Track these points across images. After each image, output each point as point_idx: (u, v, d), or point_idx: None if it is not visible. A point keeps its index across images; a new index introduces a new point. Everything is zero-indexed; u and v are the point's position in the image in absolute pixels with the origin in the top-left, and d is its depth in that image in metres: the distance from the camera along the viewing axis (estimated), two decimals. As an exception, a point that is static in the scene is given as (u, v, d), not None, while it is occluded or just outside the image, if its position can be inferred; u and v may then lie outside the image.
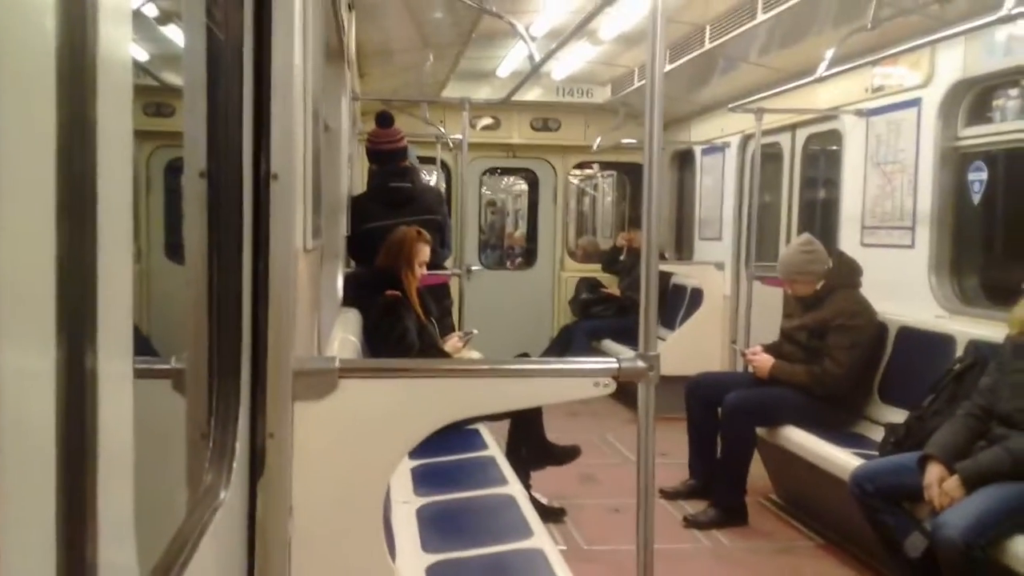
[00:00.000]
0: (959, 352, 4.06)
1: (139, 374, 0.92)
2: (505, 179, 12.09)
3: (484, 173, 9.40)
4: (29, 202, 0.62)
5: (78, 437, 0.70)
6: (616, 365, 1.88)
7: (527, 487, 3.92)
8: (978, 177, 4.58)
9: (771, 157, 6.64)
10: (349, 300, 4.44)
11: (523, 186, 11.84)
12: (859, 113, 5.35)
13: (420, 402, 1.84)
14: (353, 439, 1.78)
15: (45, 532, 0.64)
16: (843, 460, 3.94)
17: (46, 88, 0.65)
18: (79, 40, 0.70)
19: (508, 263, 10.56)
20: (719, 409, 4.76)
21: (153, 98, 2.12)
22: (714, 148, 7.61)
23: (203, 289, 1.53)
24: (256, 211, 1.63)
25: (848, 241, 5.34)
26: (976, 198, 4.61)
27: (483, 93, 7.59)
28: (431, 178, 8.38)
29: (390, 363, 2.36)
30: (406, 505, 3.22)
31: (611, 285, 8.32)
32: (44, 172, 0.64)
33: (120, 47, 0.80)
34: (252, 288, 1.63)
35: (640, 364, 1.89)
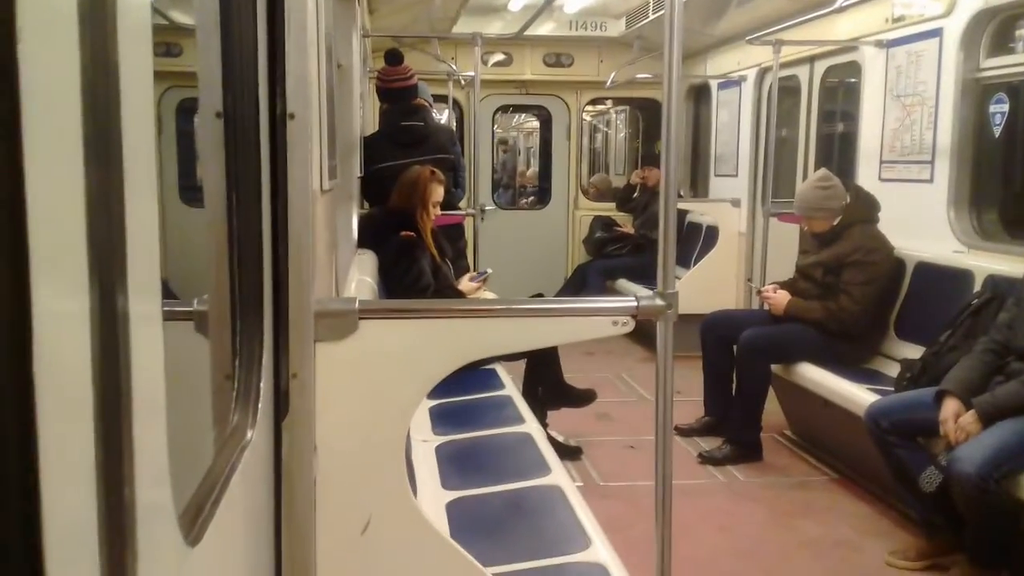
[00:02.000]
0: (977, 287, 4.04)
1: (164, 316, 0.93)
2: (516, 117, 11.95)
3: (497, 111, 9.28)
4: (58, 148, 0.61)
5: (113, 379, 0.70)
6: (635, 303, 1.88)
7: (544, 426, 3.96)
8: (999, 109, 4.49)
9: (788, 91, 6.53)
10: (364, 241, 4.44)
11: (535, 123, 11.70)
12: (879, 44, 5.23)
13: (439, 342, 1.85)
14: (374, 379, 1.79)
15: (86, 473, 0.65)
16: (858, 396, 3.96)
17: (70, 30, 0.64)
18: None
19: (521, 202, 10.50)
20: (734, 347, 4.77)
21: (163, 38, 2.10)
22: (730, 82, 7.48)
23: (223, 231, 1.53)
24: (273, 151, 1.61)
25: (866, 176, 5.28)
26: (997, 131, 4.53)
27: (495, 28, 7.46)
28: (443, 116, 8.29)
29: (409, 304, 2.37)
30: (425, 444, 3.27)
31: (625, 224, 8.28)
32: (71, 118, 0.64)
33: None
34: (271, 229, 1.62)
35: (659, 302, 1.89)
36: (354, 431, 1.76)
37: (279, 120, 1.61)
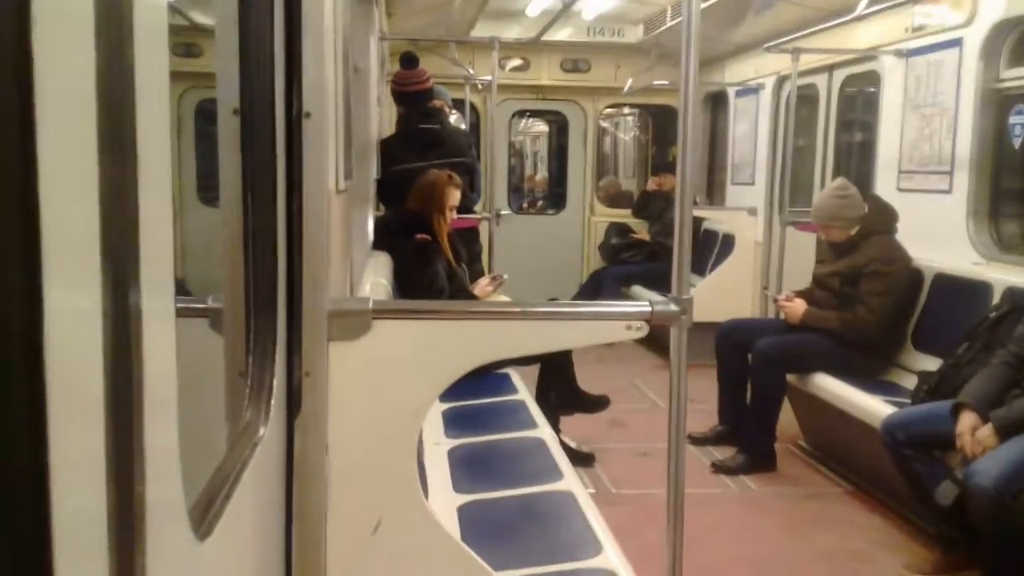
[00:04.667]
0: (995, 300, 4.00)
1: (179, 313, 0.93)
2: (523, 121, 11.90)
3: (513, 116, 9.29)
4: (72, 147, 0.61)
5: (124, 375, 0.70)
6: (649, 308, 1.87)
7: (556, 431, 3.95)
8: (1019, 120, 4.45)
9: (807, 99, 6.50)
10: (379, 243, 4.45)
11: (542, 127, 11.67)
12: (898, 54, 5.20)
13: (452, 343, 1.84)
14: (387, 379, 1.78)
15: (95, 467, 0.65)
16: (875, 408, 3.92)
17: (85, 29, 0.64)
18: None
19: (526, 207, 10.43)
20: (749, 355, 4.74)
21: (182, 38, 2.11)
22: (748, 90, 7.45)
23: (238, 228, 1.53)
24: (289, 150, 1.62)
25: (884, 186, 5.24)
26: (1017, 142, 4.48)
27: (512, 33, 7.46)
28: (459, 119, 8.30)
29: (423, 305, 2.36)
30: (437, 447, 3.26)
31: (641, 230, 8.26)
32: (86, 116, 0.63)
33: None
34: (287, 228, 1.63)
35: (673, 307, 1.87)
36: (366, 431, 1.75)
37: (295, 119, 1.61)
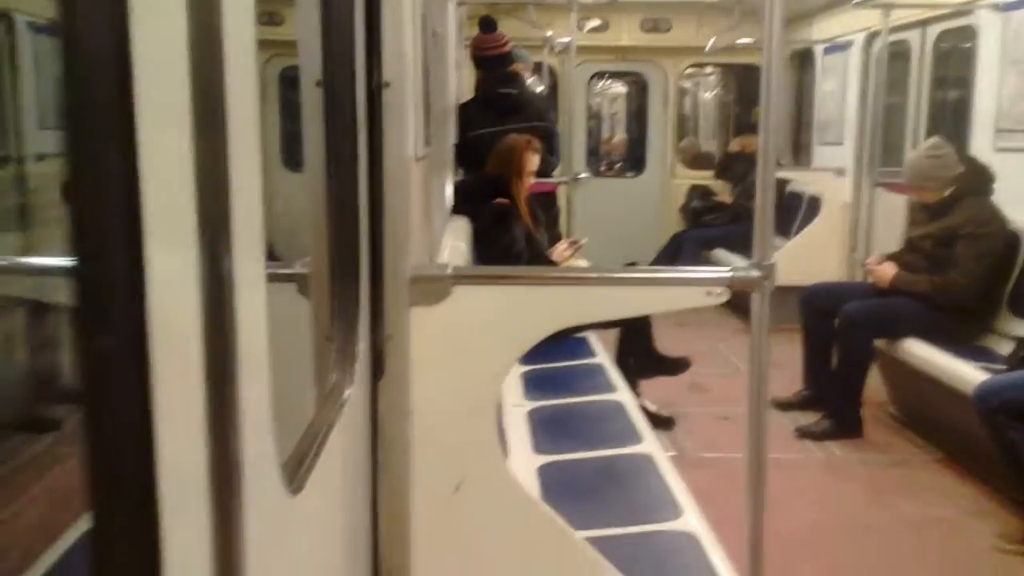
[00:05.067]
0: (1100, 262, 3.80)
1: (267, 278, 0.97)
2: (600, 83, 11.72)
3: (592, 78, 9.17)
4: (168, 117, 0.65)
5: (220, 337, 0.74)
6: (729, 274, 1.85)
7: (636, 395, 3.95)
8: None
9: (898, 56, 6.23)
10: (458, 208, 4.49)
11: (620, 89, 11.47)
12: (996, 7, 4.92)
13: (532, 309, 1.86)
14: (467, 344, 1.82)
15: (196, 425, 0.69)
16: (967, 374, 3.80)
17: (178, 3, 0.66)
18: None
19: (603, 170, 10.29)
20: (835, 320, 4.63)
21: (265, 7, 2.16)
22: (836, 47, 7.18)
23: (322, 197, 1.57)
24: (371, 119, 1.65)
25: (980, 145, 5.00)
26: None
27: (592, -7, 7.35)
28: (537, 81, 8.24)
29: (502, 270, 2.39)
30: (518, 408, 3.30)
31: (723, 193, 8.10)
32: (180, 88, 0.66)
33: None
34: (369, 195, 1.67)
35: (755, 273, 1.85)
36: (447, 393, 1.80)
37: (375, 89, 1.64)
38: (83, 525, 0.60)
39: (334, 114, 1.55)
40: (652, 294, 1.97)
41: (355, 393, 1.53)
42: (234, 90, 0.77)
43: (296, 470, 1.08)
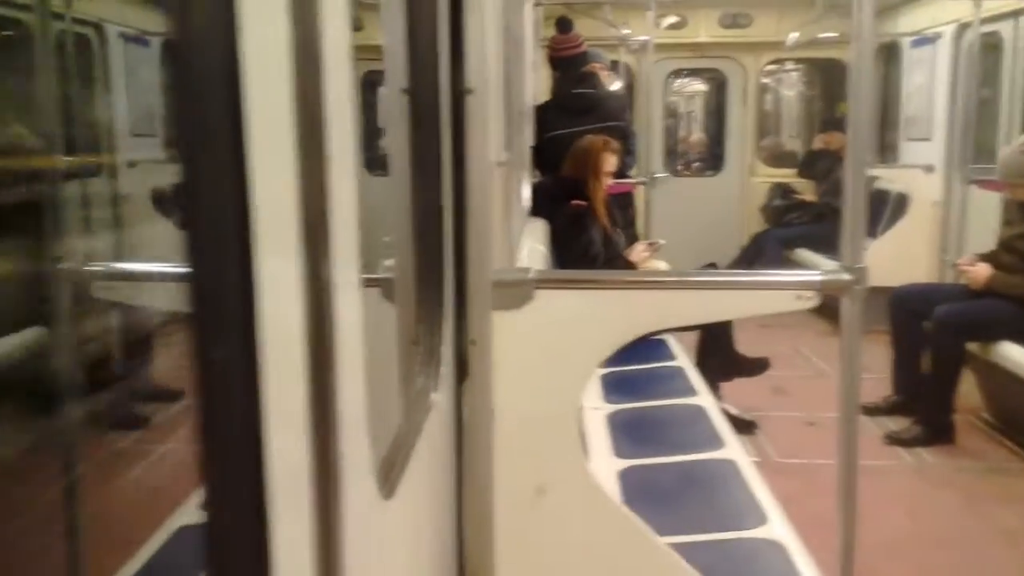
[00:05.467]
0: None
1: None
2: (677, 81, 11.58)
3: (668, 76, 9.06)
4: (275, 128, 0.66)
5: (320, 340, 0.76)
6: (819, 277, 1.81)
7: (716, 398, 3.89)
8: None
9: (990, 48, 5.98)
10: (535, 210, 4.50)
11: (698, 87, 11.31)
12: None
13: (614, 313, 1.85)
14: (549, 348, 1.82)
15: (299, 427, 0.71)
16: (1069, 378, 3.62)
17: (281, 13, 0.68)
18: None
19: (680, 169, 10.13)
20: (925, 322, 4.48)
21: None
22: (924, 39, 6.93)
23: (408, 202, 1.60)
24: (455, 126, 1.67)
25: (1081, 138, 4.76)
26: None
27: (669, -10, 7.27)
28: (613, 79, 8.18)
29: (584, 275, 2.39)
30: (597, 411, 3.29)
31: (806, 191, 7.90)
32: (284, 98, 0.68)
33: None
34: (453, 201, 1.68)
35: (845, 276, 1.80)
36: (530, 397, 1.80)
37: (459, 95, 1.66)
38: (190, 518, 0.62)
39: (419, 120, 1.57)
40: (738, 298, 1.93)
41: (441, 397, 1.54)
42: (332, 99, 0.78)
43: (388, 474, 1.10)
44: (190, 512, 2.61)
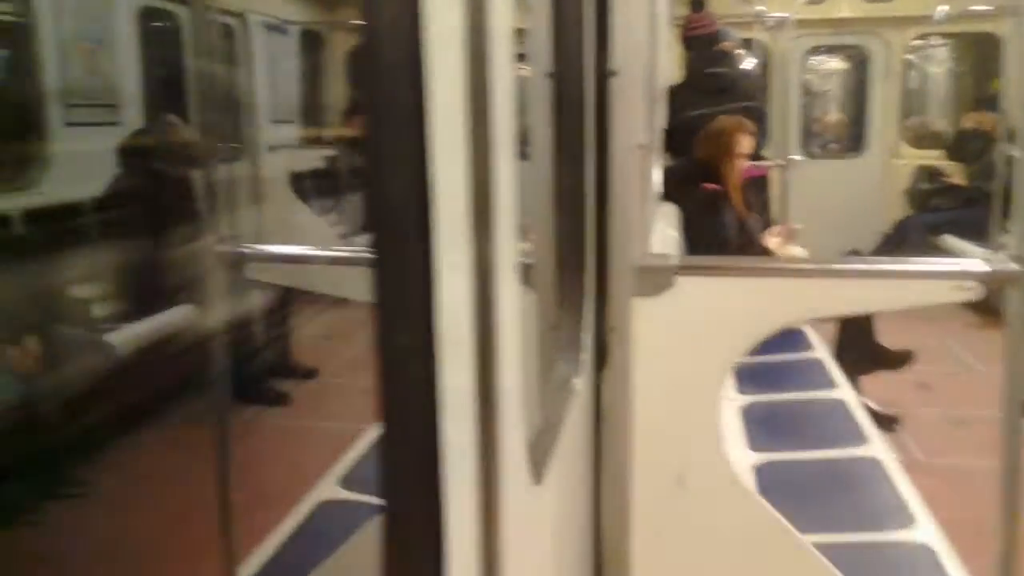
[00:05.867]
0: None
1: None
2: (811, 59, 11.10)
3: (806, 53, 8.70)
4: (451, 119, 0.66)
5: (485, 324, 0.76)
6: (983, 268, 1.69)
7: (856, 392, 3.73)
8: None
9: None
10: (666, 194, 4.41)
11: (833, 64, 10.81)
12: None
13: (759, 302, 1.79)
14: (689, 336, 1.78)
15: (467, 410, 0.71)
16: None
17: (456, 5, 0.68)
18: None
19: (814, 150, 9.70)
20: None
21: None
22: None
23: (548, 186, 1.59)
24: (598, 108, 1.64)
25: None
26: None
27: (808, -37, 6.98)
28: (747, 58, 7.91)
29: (727, 261, 2.32)
30: (730, 403, 3.21)
31: (955, 174, 7.44)
32: (457, 93, 0.68)
33: None
34: (596, 185, 1.66)
35: (1013, 266, 1.68)
36: (669, 386, 1.77)
37: (604, 77, 1.63)
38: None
39: (562, 104, 1.56)
40: (892, 289, 1.83)
41: (582, 384, 1.54)
42: (497, 88, 0.78)
43: (537, 459, 1.10)
44: (329, 487, 2.71)
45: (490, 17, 0.74)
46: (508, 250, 0.87)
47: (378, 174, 0.58)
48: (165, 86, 6.14)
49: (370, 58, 0.56)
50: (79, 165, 4.65)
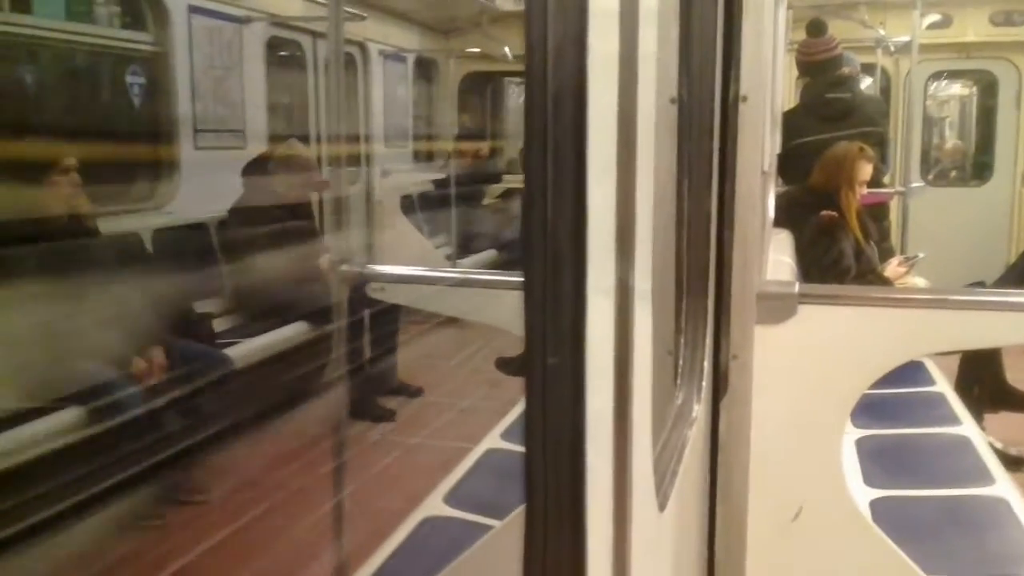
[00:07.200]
0: None
1: None
2: (932, 84, 10.65)
3: (929, 78, 8.38)
4: (604, 145, 0.68)
5: (623, 348, 0.77)
6: None
7: (980, 429, 3.54)
8: None
9: None
10: (779, 220, 4.31)
11: (952, 90, 10.38)
12: None
13: (884, 332, 1.74)
14: (812, 366, 1.74)
15: (607, 436, 0.72)
16: None
17: (613, 28, 0.69)
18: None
19: (932, 178, 9.26)
20: None
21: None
22: None
23: (672, 211, 1.58)
24: (724, 134, 1.63)
25: None
26: None
27: (931, -13, 6.73)
28: (870, 86, 7.68)
29: (852, 290, 2.26)
30: (845, 436, 3.10)
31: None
32: (610, 116, 0.69)
33: None
34: (718, 210, 1.65)
35: None
36: (790, 416, 1.73)
37: (731, 103, 1.62)
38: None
39: (688, 129, 1.55)
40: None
41: (701, 412, 1.52)
42: (643, 113, 0.79)
43: (660, 486, 1.10)
44: (435, 504, 2.75)
45: (641, 43, 0.75)
46: (645, 275, 0.87)
47: (539, 198, 0.60)
48: (289, 112, 6.42)
49: (534, 84, 0.58)
50: (206, 187, 4.89)
